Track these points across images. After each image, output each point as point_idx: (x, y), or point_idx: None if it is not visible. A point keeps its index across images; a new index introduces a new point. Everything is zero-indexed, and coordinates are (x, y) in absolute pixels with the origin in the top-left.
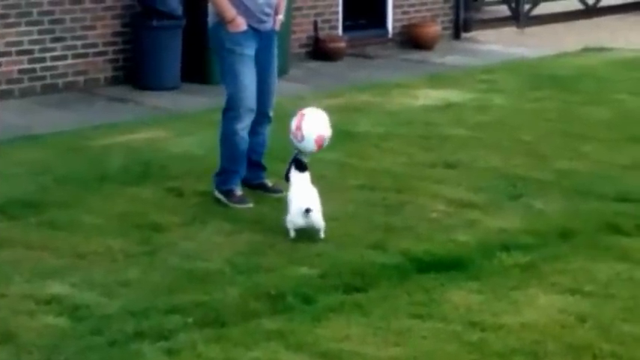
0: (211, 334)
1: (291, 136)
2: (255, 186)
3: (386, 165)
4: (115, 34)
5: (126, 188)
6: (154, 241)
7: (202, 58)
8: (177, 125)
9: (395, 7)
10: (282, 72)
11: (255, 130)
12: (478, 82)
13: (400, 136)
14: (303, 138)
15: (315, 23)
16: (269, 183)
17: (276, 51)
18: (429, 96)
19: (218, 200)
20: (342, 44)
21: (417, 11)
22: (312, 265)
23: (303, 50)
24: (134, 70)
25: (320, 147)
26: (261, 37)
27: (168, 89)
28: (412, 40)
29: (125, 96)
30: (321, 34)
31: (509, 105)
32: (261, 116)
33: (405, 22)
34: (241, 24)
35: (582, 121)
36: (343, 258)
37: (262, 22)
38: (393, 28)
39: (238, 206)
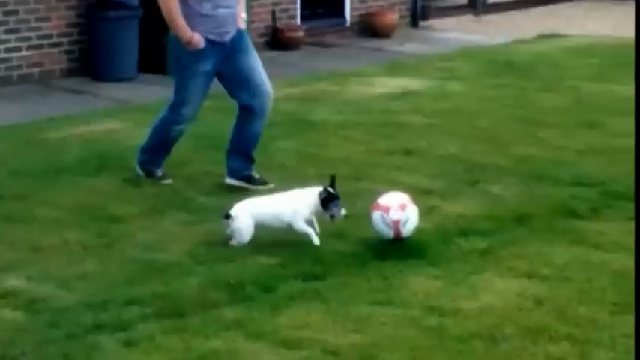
0: (170, 325)
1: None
2: (242, 178)
3: (344, 153)
4: (70, 25)
5: (83, 180)
6: (111, 233)
7: (159, 48)
8: (134, 116)
9: None
10: None
11: (248, 124)
12: (436, 69)
13: (358, 124)
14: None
15: (273, 13)
16: (256, 175)
17: (251, 47)
18: (387, 84)
19: (137, 174)
20: (300, 33)
21: (374, 0)
22: (272, 254)
23: (262, 40)
24: (90, 61)
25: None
26: (225, 46)
27: (125, 80)
28: (370, 28)
29: (81, 87)
30: (279, 23)
31: (467, 92)
32: (255, 112)
33: (362, 11)
34: (198, 42)
35: (538, 108)
36: (302, 247)
37: (226, 33)
38: (351, 16)
39: (159, 182)
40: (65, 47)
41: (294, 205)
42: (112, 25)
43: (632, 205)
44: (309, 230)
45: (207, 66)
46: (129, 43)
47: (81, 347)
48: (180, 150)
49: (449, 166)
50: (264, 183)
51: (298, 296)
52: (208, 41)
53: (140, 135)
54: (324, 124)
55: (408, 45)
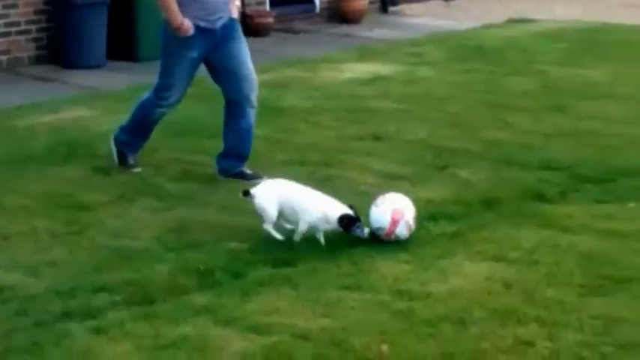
0: (140, 312)
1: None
2: (234, 175)
3: (314, 139)
4: (38, 12)
5: (51, 168)
6: (80, 221)
7: (128, 35)
8: (102, 104)
9: None
10: None
11: (238, 119)
12: (405, 55)
13: (328, 110)
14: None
15: None
16: (248, 171)
17: (242, 37)
18: (357, 70)
19: (110, 154)
20: (270, 20)
21: None
22: (242, 240)
23: None
24: (59, 48)
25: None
26: (215, 33)
27: (94, 67)
28: (340, 14)
29: (50, 75)
30: (249, 9)
31: (436, 77)
32: (242, 104)
33: None
34: (188, 29)
35: (508, 92)
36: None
37: (218, 19)
38: (321, 2)
39: (129, 169)
40: (33, 34)
41: (319, 209)
42: (81, 12)
43: (599, 188)
44: (299, 236)
45: (194, 53)
46: (97, 31)
47: (50, 335)
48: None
49: (418, 151)
50: (257, 177)
51: (268, 282)
52: (198, 28)
53: (109, 122)
54: (293, 110)
55: (377, 30)
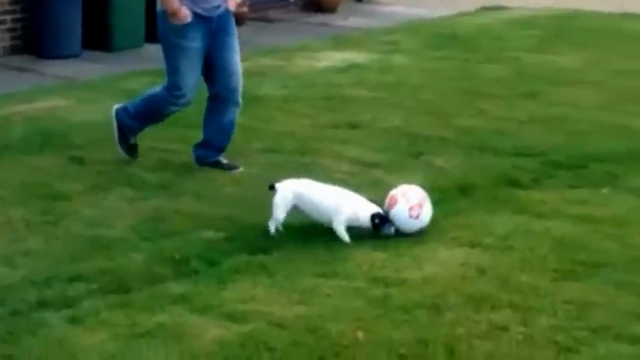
0: (116, 301)
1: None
2: (210, 163)
3: (289, 128)
4: (13, 2)
5: (26, 158)
6: (56, 210)
7: (103, 24)
8: (78, 93)
9: None
10: None
11: (221, 113)
12: (380, 43)
13: (303, 98)
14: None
15: None
16: (224, 160)
17: (234, 31)
18: (332, 58)
19: (111, 123)
20: (245, 9)
21: None
22: (218, 229)
23: None
24: (34, 38)
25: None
26: (212, 21)
27: (69, 57)
28: (315, 3)
29: (25, 65)
30: None
31: (411, 65)
32: (228, 99)
33: None
34: (185, 16)
35: (481, 79)
36: (247, 221)
37: (216, 8)
38: None
39: (122, 153)
40: (8, 25)
41: (345, 205)
42: (56, 2)
43: (572, 174)
44: (346, 237)
45: (195, 42)
46: (72, 20)
47: (26, 324)
48: None
49: (393, 138)
50: (234, 167)
51: (244, 270)
52: (197, 16)
53: (84, 111)
54: (268, 98)
55: (352, 19)
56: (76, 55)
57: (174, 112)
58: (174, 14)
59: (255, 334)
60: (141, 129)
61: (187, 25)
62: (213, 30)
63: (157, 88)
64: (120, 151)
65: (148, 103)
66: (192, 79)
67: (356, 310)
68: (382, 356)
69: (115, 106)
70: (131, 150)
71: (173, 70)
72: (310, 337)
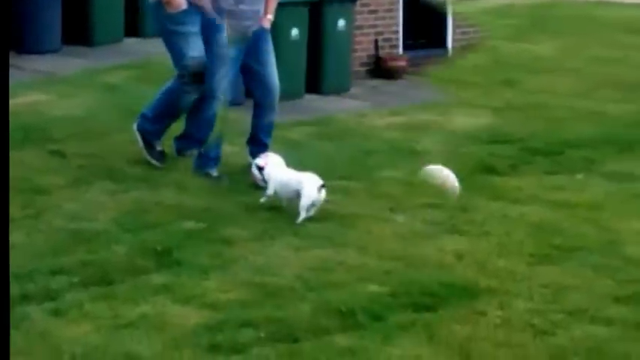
0: (98, 293)
1: None
2: (200, 173)
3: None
4: None
5: None
6: (37, 204)
7: (83, 19)
8: (58, 88)
9: (455, 27)
10: (344, 89)
11: (205, 110)
12: None
13: (463, 154)
14: None
15: (376, 42)
16: (214, 173)
17: (270, 48)
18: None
19: (135, 139)
20: (403, 63)
21: (475, 32)
22: (199, 220)
23: (364, 69)
24: (13, 33)
25: None
26: (247, 39)
27: (49, 52)
28: None
29: None
30: (382, 52)
31: None
32: (265, 102)
33: (464, 42)
34: (180, 3)
35: (459, 68)
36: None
37: (247, 27)
38: (453, 47)
39: (153, 161)
40: None
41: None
42: None
43: (549, 160)
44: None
45: (193, 27)
46: (52, 15)
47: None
48: (103, 119)
49: None
50: (223, 180)
51: (228, 261)
52: (189, 4)
53: (65, 106)
54: (428, 153)
55: None
56: (55, 50)
57: (189, 102)
58: (169, 2)
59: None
60: (163, 131)
61: (183, 11)
62: (249, 45)
63: (168, 84)
64: (151, 161)
65: (163, 101)
66: (198, 55)
67: None
68: None
69: (134, 123)
70: (160, 157)
71: (178, 55)
72: None
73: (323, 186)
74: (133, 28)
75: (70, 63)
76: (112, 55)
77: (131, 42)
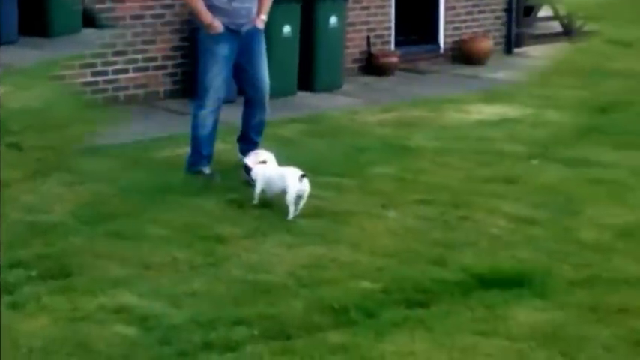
0: (277, 347)
1: None
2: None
3: (443, 180)
4: None
5: None
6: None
7: (41, 10)
8: (15, 80)
9: (446, 22)
10: (336, 86)
11: (250, 112)
12: (532, 97)
13: (455, 151)
14: None
15: (368, 39)
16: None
17: (262, 48)
18: (482, 111)
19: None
20: (395, 59)
21: (468, 27)
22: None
23: (356, 65)
24: None
25: None
26: (240, 37)
27: (6, 44)
28: (464, 55)
29: None
30: (374, 49)
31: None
32: (255, 101)
33: (456, 38)
34: (217, 27)
35: None
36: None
37: (241, 24)
38: (445, 43)
39: (214, 181)
40: None
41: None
42: None
43: None
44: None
45: (224, 50)
46: (9, 6)
47: None
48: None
49: (550, 195)
50: (215, 178)
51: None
52: (226, 29)
53: (22, 98)
54: (420, 150)
55: (501, 72)
56: (12, 42)
57: (209, 124)
58: (209, 26)
59: None
60: (202, 156)
61: (219, 35)
62: (241, 44)
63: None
64: (211, 180)
65: (191, 131)
66: (217, 85)
67: None
68: None
69: (185, 167)
70: (212, 178)
71: (203, 71)
72: None
73: (303, 176)
74: (91, 20)
75: (28, 54)
76: (70, 46)
77: (89, 33)
